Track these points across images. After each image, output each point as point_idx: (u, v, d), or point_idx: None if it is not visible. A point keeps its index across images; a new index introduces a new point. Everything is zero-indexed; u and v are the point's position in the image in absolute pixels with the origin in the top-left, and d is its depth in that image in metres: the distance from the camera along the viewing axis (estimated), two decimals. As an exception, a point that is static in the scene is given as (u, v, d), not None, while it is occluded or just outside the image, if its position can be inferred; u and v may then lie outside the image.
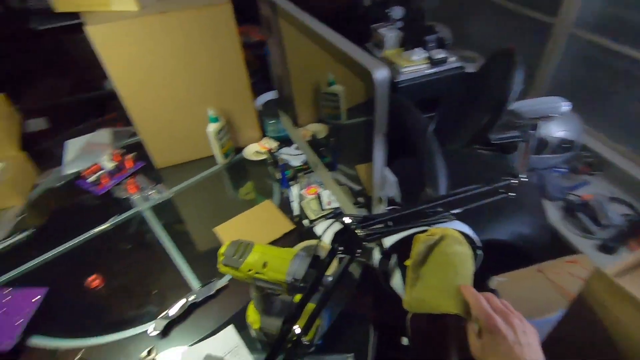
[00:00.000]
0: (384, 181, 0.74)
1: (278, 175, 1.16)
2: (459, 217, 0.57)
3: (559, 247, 1.06)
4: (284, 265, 0.58)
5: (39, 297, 0.85)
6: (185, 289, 0.89)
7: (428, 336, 0.92)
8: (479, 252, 0.56)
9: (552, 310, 0.71)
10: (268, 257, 0.59)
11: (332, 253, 0.51)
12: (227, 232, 1.01)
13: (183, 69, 1.09)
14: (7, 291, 0.86)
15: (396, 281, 0.90)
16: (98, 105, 1.66)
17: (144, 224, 1.07)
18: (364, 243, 0.50)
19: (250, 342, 0.78)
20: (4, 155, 1.17)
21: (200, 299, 0.85)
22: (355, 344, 1.13)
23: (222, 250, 0.63)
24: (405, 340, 1.03)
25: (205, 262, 0.96)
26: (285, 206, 1.08)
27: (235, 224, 1.03)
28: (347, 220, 0.51)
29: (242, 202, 1.14)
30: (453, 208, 0.57)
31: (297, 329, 0.56)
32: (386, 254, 0.83)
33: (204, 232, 1.03)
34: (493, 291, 0.79)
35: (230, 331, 0.79)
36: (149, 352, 0.75)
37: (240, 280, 0.63)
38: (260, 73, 1.49)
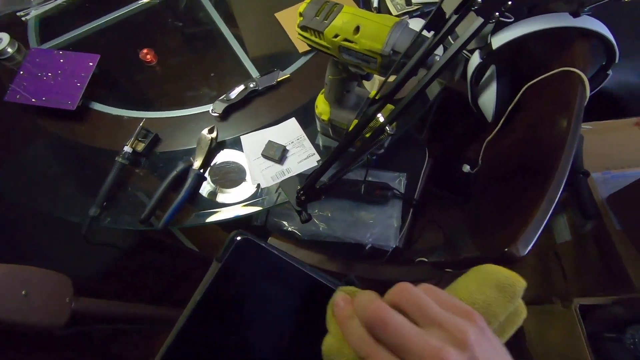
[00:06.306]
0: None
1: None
2: None
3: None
4: (382, 32, 0.45)
5: (92, 63, 0.80)
6: (244, 76, 0.81)
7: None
8: None
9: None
10: (362, 21, 0.46)
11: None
12: (291, 20, 0.85)
13: None
14: (61, 53, 0.81)
15: (486, 98, 0.77)
16: None
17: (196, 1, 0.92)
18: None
19: (312, 137, 0.73)
20: None
21: (260, 88, 0.77)
22: (409, 166, 1.11)
23: (301, 8, 0.50)
24: (466, 167, 0.97)
25: (264, 50, 0.84)
26: (360, -3, 0.88)
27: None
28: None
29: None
30: None
31: (381, 117, 0.48)
32: (489, 57, 0.68)
33: (264, 18, 0.88)
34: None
35: (292, 123, 0.74)
36: (210, 131, 0.72)
37: (321, 52, 0.52)
38: None
